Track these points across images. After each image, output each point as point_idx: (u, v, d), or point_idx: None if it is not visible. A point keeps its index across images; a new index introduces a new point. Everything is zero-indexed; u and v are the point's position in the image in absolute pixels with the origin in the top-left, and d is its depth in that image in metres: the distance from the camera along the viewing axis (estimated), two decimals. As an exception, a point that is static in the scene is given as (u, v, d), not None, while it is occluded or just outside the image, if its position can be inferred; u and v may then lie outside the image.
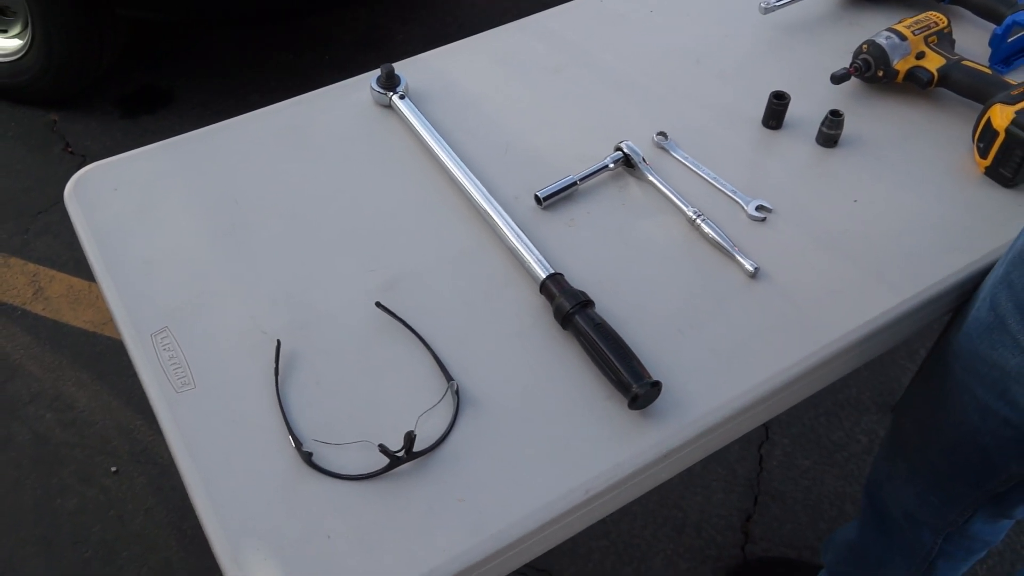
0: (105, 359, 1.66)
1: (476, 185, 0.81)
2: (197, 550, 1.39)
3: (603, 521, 0.67)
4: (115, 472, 1.49)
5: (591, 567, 1.37)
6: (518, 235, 0.76)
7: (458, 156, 0.84)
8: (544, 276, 0.72)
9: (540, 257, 0.74)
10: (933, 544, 0.96)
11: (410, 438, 0.61)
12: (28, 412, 1.58)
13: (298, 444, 0.63)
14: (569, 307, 0.69)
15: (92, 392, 1.61)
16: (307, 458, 0.63)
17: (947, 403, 0.80)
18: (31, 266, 1.83)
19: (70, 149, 2.10)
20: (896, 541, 1.01)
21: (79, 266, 1.82)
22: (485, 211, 0.79)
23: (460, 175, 0.82)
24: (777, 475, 1.50)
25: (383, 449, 0.61)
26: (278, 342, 0.69)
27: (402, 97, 0.90)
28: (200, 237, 0.79)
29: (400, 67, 0.95)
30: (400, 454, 0.62)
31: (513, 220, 0.78)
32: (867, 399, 1.61)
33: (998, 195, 0.82)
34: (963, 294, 0.78)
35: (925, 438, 0.88)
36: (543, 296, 0.73)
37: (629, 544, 1.40)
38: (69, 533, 1.42)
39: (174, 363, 0.69)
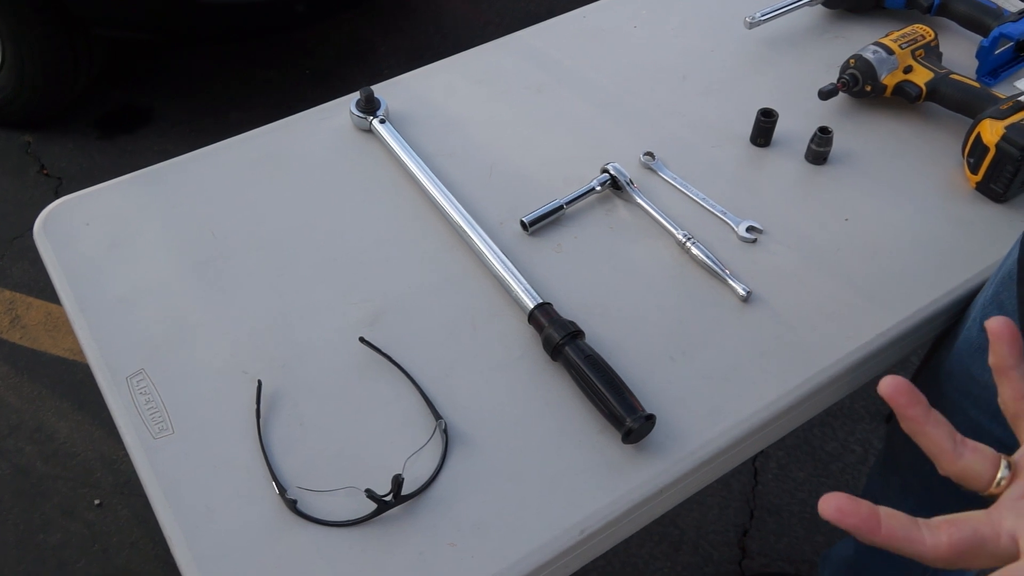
0: (85, 387, 1.62)
1: (460, 212, 0.79)
2: (184, 583, 1.36)
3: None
4: (99, 505, 1.46)
5: (587, 588, 1.35)
6: (504, 263, 0.74)
7: (441, 181, 0.82)
8: (532, 306, 0.71)
9: (527, 286, 0.72)
10: (932, 561, 0.94)
11: (398, 481, 0.59)
12: (8, 445, 1.54)
13: (282, 491, 0.61)
14: (559, 338, 0.67)
15: (73, 422, 1.57)
16: (291, 505, 0.60)
17: (942, 423, 0.79)
18: (7, 293, 1.79)
19: (46, 171, 2.06)
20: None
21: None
22: (470, 238, 0.77)
23: (444, 201, 0.80)
24: (772, 488, 1.48)
25: (370, 494, 0.59)
26: (259, 383, 0.67)
27: (382, 121, 0.88)
28: (176, 273, 0.76)
29: (380, 89, 0.93)
30: (388, 498, 0.59)
31: (499, 247, 0.76)
32: (860, 408, 1.60)
33: (990, 210, 0.80)
34: (958, 312, 0.77)
35: (919, 455, 0.87)
36: (531, 326, 0.71)
37: (626, 563, 1.38)
38: (53, 569, 1.38)
39: (151, 407, 0.66)
